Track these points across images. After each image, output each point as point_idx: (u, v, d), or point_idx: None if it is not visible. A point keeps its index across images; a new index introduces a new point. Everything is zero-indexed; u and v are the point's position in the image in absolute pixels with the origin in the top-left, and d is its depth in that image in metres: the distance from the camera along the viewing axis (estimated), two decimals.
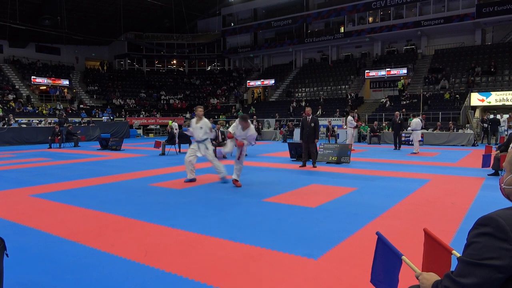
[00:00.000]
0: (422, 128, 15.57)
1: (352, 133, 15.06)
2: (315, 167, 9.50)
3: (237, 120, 7.19)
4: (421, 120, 15.07)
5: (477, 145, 16.52)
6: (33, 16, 28.01)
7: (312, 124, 9.34)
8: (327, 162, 10.46)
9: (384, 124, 20.50)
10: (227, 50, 38.28)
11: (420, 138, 13.81)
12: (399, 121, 15.15)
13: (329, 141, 17.49)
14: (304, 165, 9.59)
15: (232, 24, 37.59)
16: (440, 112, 20.64)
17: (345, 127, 20.72)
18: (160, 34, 39.28)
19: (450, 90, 23.39)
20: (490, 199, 5.61)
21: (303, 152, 9.64)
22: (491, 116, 17.93)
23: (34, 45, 33.99)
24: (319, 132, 10.55)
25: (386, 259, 1.56)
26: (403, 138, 16.55)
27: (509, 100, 20.27)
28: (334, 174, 8.41)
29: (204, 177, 8.14)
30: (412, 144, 14.41)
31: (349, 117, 15.46)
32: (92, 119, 26.41)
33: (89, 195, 6.28)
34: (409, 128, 14.41)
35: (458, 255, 1.40)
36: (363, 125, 20.39)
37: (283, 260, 3.26)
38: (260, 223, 4.45)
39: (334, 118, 22.35)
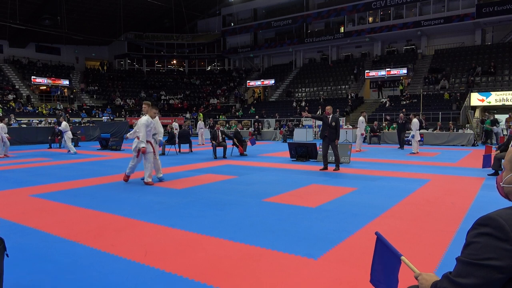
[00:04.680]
0: (422, 128, 15.54)
1: (362, 134, 14.88)
2: (338, 169, 8.96)
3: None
4: (420, 120, 15.13)
5: (477, 145, 16.53)
6: (33, 16, 28.02)
7: (333, 124, 8.97)
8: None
9: (384, 124, 20.48)
10: (227, 50, 38.26)
11: (419, 138, 13.81)
12: (402, 122, 15.46)
13: None
14: (325, 168, 9.03)
15: (232, 24, 37.58)
16: (440, 112, 20.64)
17: (345, 127, 20.71)
18: (160, 34, 39.27)
19: (450, 90, 23.39)
20: (490, 199, 5.61)
21: (323, 154, 9.13)
22: (497, 116, 18.16)
23: (34, 45, 34.00)
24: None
25: (385, 260, 1.56)
26: (405, 138, 16.60)
27: (509, 100, 20.29)
28: (334, 174, 8.41)
29: (204, 177, 8.15)
30: (411, 144, 14.43)
31: (361, 118, 15.02)
32: (92, 119, 26.40)
33: (89, 195, 6.28)
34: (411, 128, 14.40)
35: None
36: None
37: (283, 260, 3.25)
38: (260, 223, 4.44)
39: None
